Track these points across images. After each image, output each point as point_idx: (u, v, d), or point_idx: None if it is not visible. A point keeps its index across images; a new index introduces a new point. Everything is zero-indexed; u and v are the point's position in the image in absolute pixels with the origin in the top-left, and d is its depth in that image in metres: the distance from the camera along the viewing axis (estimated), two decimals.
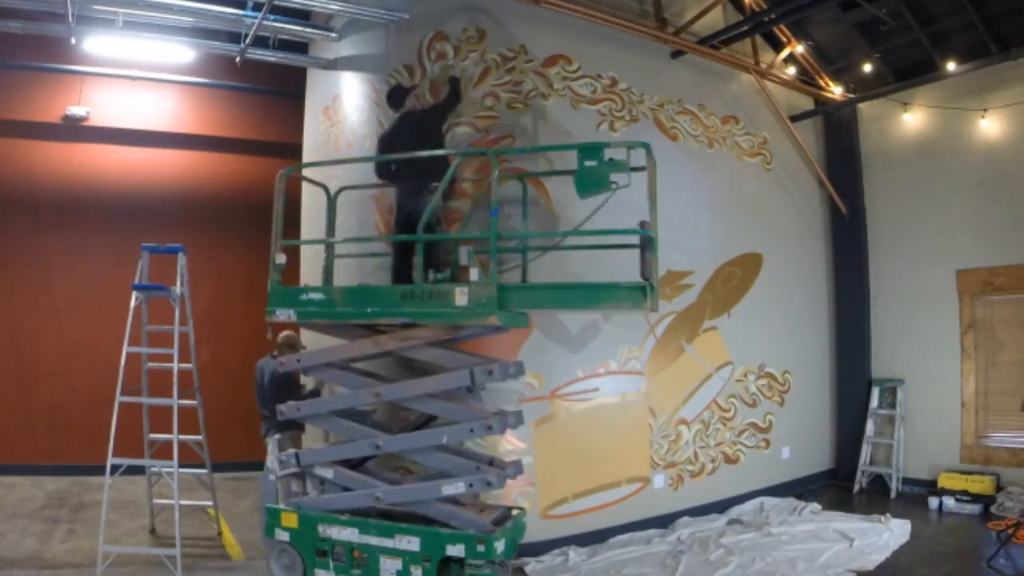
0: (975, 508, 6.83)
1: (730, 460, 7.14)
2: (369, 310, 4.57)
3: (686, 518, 6.58)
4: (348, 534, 4.51)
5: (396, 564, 4.41)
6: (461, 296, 4.34)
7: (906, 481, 7.72)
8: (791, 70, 8.11)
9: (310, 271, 6.51)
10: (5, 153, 8.04)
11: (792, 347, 7.90)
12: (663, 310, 6.36)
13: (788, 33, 7.83)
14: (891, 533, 6.11)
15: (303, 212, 7.47)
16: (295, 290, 4.92)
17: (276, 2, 5.95)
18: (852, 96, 8.28)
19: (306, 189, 7.74)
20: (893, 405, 7.91)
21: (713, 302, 7.12)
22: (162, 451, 8.25)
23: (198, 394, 6.05)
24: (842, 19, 7.41)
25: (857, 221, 8.33)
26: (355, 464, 4.89)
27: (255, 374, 5.70)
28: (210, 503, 6.27)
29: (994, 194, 7.38)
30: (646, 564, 5.50)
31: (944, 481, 7.16)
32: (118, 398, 5.40)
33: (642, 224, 4.41)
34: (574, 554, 5.67)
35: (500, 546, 4.33)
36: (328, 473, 4.71)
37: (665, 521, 6.51)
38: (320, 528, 4.57)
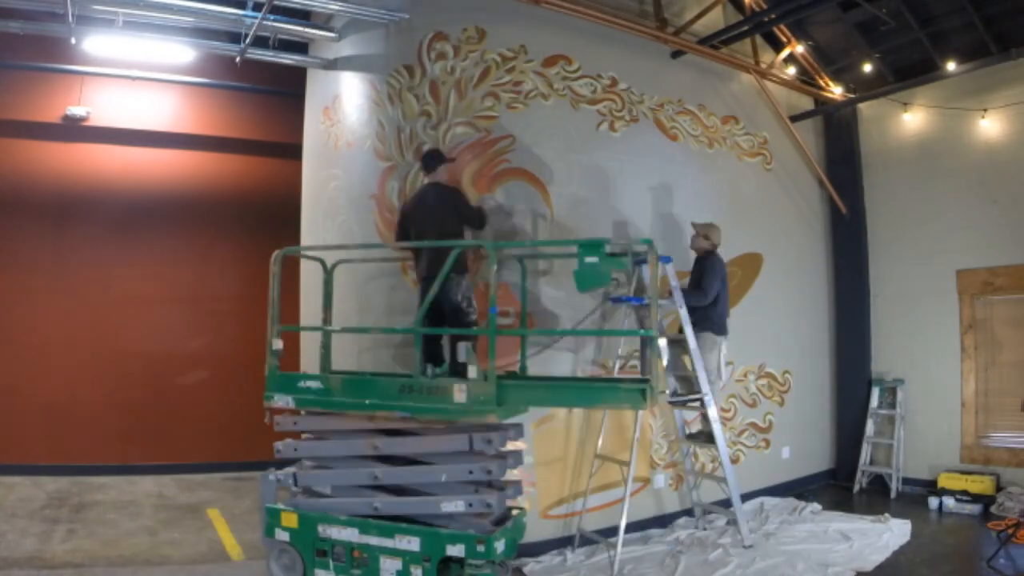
0: (975, 508, 6.82)
1: (730, 460, 7.12)
2: (367, 402, 4.58)
3: (686, 518, 6.59)
4: (348, 534, 4.51)
5: (396, 564, 4.41)
6: (459, 393, 4.36)
7: (906, 481, 7.71)
8: (791, 70, 8.11)
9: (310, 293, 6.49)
10: (5, 153, 8.04)
11: (792, 347, 7.90)
12: (664, 310, 6.36)
13: (788, 33, 7.83)
14: (891, 533, 6.11)
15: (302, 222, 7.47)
16: (292, 376, 4.89)
17: (276, 2, 5.94)
18: (852, 96, 8.28)
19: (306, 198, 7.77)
20: (893, 405, 7.91)
21: None
22: (165, 448, 8.33)
23: None
24: (842, 19, 7.40)
25: (857, 221, 8.32)
26: None
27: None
28: (210, 503, 6.25)
29: (994, 194, 7.37)
30: (646, 564, 5.50)
31: (944, 481, 7.16)
32: None
33: (641, 323, 4.38)
34: (573, 554, 5.68)
35: (500, 546, 4.33)
36: (327, 491, 4.74)
37: (665, 521, 6.52)
38: (320, 528, 4.57)
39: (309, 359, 6.41)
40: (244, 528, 6.28)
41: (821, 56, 8.16)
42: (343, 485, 4.70)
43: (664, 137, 6.85)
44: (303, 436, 4.96)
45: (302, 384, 4.80)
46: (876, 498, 7.52)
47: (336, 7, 6.15)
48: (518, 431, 4.77)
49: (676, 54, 7.00)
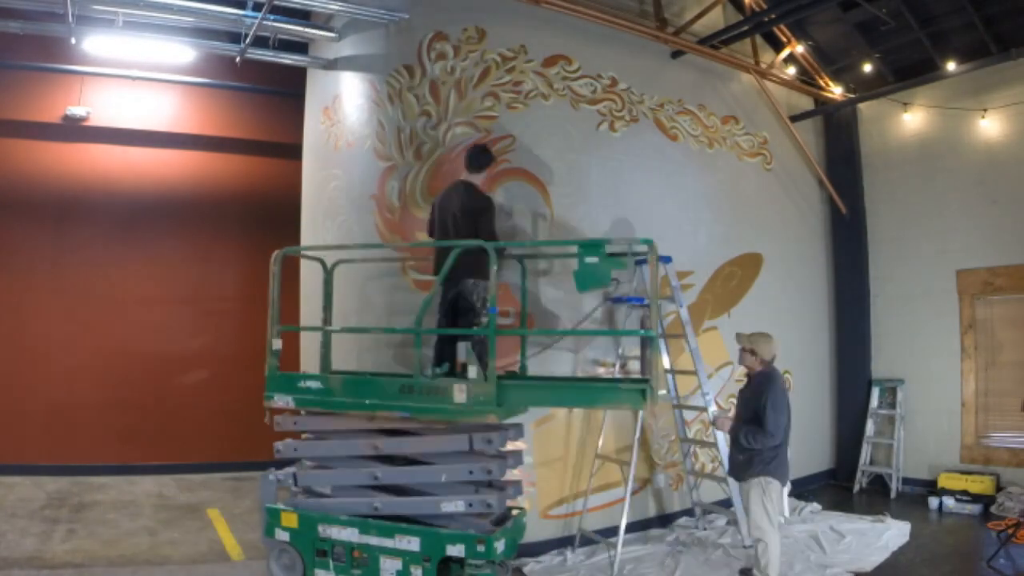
0: (975, 508, 6.83)
1: None
2: (367, 402, 4.58)
3: (686, 518, 6.59)
4: (348, 534, 4.51)
5: (396, 564, 4.41)
6: (460, 393, 4.36)
7: (906, 481, 7.72)
8: (791, 70, 8.11)
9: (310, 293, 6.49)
10: (5, 153, 8.03)
11: (792, 347, 7.87)
12: (663, 310, 6.37)
13: (788, 33, 7.84)
14: (891, 533, 6.11)
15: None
16: (293, 376, 4.89)
17: (276, 2, 5.94)
18: (852, 96, 8.28)
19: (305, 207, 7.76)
20: (893, 405, 7.91)
21: (713, 302, 7.12)
22: (165, 448, 8.33)
23: None
24: (842, 19, 7.41)
25: (857, 221, 8.33)
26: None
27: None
28: (210, 503, 6.25)
29: (994, 194, 7.38)
30: (646, 564, 5.50)
31: (944, 481, 7.17)
32: None
33: (643, 324, 4.37)
34: (573, 554, 5.68)
35: (500, 546, 4.32)
36: (327, 491, 4.74)
37: (665, 521, 6.52)
38: (320, 528, 4.57)
39: (309, 359, 6.41)
40: (244, 528, 6.28)
41: (821, 56, 8.16)
42: (343, 485, 4.70)
43: (664, 137, 6.85)
44: (303, 436, 4.96)
45: (302, 384, 4.80)
46: (876, 498, 7.53)
47: (336, 7, 6.15)
48: (518, 431, 4.76)
49: (676, 54, 7.00)
